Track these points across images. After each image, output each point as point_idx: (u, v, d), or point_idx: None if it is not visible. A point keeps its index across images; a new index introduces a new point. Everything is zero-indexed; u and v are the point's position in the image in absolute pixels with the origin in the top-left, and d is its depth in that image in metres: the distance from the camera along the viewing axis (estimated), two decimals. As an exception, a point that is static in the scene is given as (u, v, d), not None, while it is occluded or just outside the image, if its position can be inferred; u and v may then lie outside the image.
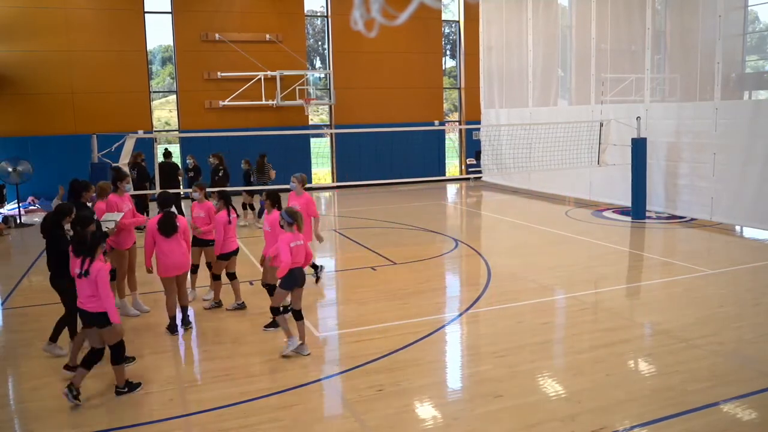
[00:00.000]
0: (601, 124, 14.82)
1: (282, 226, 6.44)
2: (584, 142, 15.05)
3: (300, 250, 6.35)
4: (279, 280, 6.46)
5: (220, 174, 14.40)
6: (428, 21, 22.44)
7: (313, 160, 21.67)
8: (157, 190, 11.44)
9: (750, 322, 7.28)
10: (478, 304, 8.12)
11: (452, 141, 25.27)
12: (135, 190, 11.23)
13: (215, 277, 8.18)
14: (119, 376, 5.67)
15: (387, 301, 8.36)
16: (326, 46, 22.29)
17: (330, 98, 21.60)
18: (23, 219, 15.64)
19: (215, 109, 20.08)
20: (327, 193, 21.15)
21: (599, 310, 7.96)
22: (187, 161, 15.29)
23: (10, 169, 15.22)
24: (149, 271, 7.33)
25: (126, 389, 5.65)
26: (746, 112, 12.33)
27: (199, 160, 15.16)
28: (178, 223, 7.10)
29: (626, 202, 14.51)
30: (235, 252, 8.07)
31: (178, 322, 7.32)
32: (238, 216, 8.28)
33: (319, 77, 22.69)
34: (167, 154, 14.99)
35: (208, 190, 8.64)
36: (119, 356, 5.61)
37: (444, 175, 23.74)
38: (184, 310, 7.45)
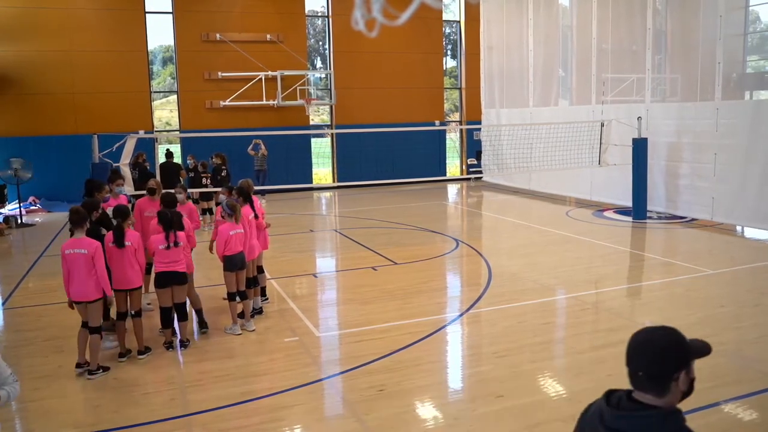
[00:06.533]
0: (602, 125, 14.81)
1: (223, 217, 7.14)
2: (585, 143, 15.03)
3: (239, 238, 7.06)
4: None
5: (223, 174, 14.42)
6: (429, 21, 22.41)
7: (314, 160, 21.67)
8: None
9: (751, 323, 7.28)
10: (479, 304, 8.12)
11: (453, 141, 25.26)
12: (136, 190, 11.23)
13: (254, 282, 7.75)
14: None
15: (388, 301, 8.36)
16: (327, 46, 22.29)
17: (331, 98, 21.60)
18: (24, 219, 15.65)
19: (216, 109, 20.07)
20: (328, 193, 21.14)
21: (600, 310, 7.96)
22: (188, 161, 15.31)
23: (9, 172, 15.27)
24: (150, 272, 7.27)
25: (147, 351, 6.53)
26: (747, 112, 12.31)
27: (201, 160, 15.17)
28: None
29: (627, 202, 14.50)
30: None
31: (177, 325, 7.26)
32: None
33: (320, 77, 22.68)
34: (169, 154, 15.00)
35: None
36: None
37: (445, 175, 23.71)
38: (199, 312, 7.34)
